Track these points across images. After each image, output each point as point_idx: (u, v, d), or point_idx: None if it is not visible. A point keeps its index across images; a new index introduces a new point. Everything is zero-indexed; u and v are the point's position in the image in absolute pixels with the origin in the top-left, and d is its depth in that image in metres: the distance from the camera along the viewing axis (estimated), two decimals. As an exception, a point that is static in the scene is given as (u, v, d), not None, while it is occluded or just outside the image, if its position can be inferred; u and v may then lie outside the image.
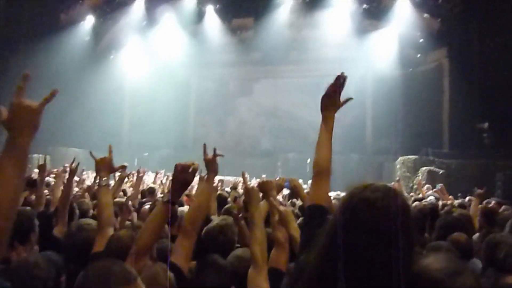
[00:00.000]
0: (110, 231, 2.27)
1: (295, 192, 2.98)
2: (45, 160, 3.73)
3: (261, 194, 2.43)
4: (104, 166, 2.47)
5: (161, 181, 8.30)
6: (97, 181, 2.47)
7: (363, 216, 1.00)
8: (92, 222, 2.55)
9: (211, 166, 2.32)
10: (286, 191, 5.80)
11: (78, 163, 3.72)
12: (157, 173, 9.45)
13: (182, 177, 1.90)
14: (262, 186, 2.48)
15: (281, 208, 2.34)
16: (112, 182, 6.80)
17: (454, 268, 0.97)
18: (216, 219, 2.68)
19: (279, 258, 2.21)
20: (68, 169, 3.82)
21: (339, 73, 1.79)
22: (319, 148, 1.84)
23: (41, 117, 1.12)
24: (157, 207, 1.93)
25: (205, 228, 2.61)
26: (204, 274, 1.98)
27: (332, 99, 1.83)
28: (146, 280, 1.63)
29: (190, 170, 1.91)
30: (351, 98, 1.85)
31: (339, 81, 1.80)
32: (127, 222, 3.27)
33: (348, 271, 0.97)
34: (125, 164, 3.58)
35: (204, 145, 2.43)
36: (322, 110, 1.85)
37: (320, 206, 1.53)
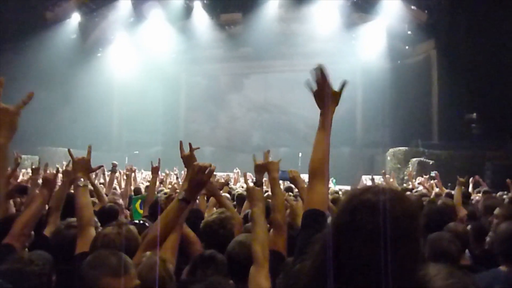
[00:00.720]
0: (92, 231, 2.24)
1: (294, 183, 3.01)
2: (39, 163, 3.69)
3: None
4: (82, 167, 2.43)
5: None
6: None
7: (362, 219, 0.91)
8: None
9: (190, 162, 2.30)
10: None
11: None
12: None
13: (199, 177, 1.91)
14: (267, 165, 2.55)
15: (292, 202, 2.39)
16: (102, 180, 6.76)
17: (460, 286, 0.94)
18: (214, 213, 2.71)
19: (277, 240, 2.24)
20: (60, 170, 3.78)
21: (315, 67, 1.70)
22: (314, 147, 1.70)
23: (18, 119, 1.17)
24: (173, 203, 1.94)
25: (203, 222, 2.64)
26: (201, 269, 1.99)
27: (323, 91, 1.71)
28: (144, 269, 1.66)
29: (207, 171, 1.92)
30: (345, 82, 1.68)
31: (320, 73, 1.69)
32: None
33: (344, 279, 0.90)
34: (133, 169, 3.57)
35: (180, 142, 2.44)
36: (319, 107, 1.76)
37: (316, 211, 1.43)
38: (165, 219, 1.90)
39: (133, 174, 6.39)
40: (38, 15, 16.00)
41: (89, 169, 2.48)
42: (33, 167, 4.18)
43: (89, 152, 2.52)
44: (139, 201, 4.38)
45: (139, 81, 19.16)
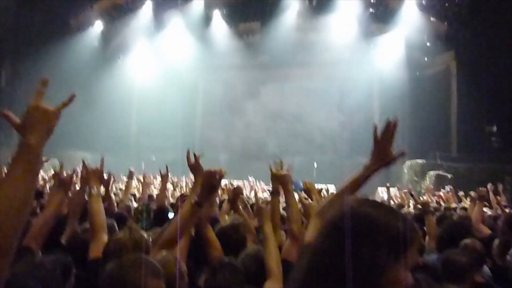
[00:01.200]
0: (104, 237, 2.31)
1: (308, 194, 3.05)
2: (61, 166, 3.77)
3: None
4: (95, 177, 2.61)
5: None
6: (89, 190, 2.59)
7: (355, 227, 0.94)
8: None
9: (197, 171, 2.39)
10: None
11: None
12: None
13: (210, 182, 1.99)
14: (281, 178, 2.61)
15: (305, 201, 2.46)
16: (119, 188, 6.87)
17: None
18: (228, 219, 2.80)
19: (291, 250, 2.30)
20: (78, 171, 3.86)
21: (390, 120, 1.57)
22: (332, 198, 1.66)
23: (57, 122, 1.12)
24: (186, 206, 2.02)
25: (218, 227, 2.71)
26: (219, 274, 2.03)
27: (384, 149, 1.62)
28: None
29: (218, 176, 2.00)
30: (403, 153, 1.63)
31: (391, 128, 1.59)
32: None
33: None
34: (112, 175, 3.70)
35: (188, 151, 2.52)
36: (373, 159, 1.64)
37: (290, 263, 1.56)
38: (180, 221, 1.95)
39: (149, 180, 6.49)
40: (63, 23, 16.48)
41: (101, 179, 2.69)
42: (54, 171, 4.23)
43: (102, 164, 2.71)
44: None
45: (158, 87, 19.46)
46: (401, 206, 4.93)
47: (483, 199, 4.23)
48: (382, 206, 1.02)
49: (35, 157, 1.06)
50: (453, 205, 5.78)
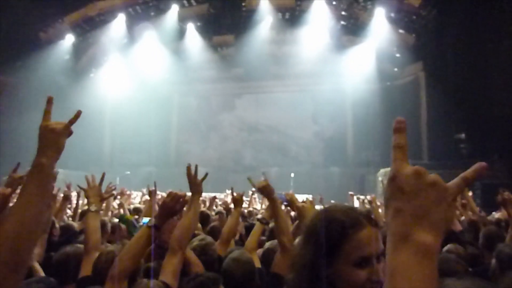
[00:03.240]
0: (96, 255, 2.26)
1: (290, 205, 3.07)
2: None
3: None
4: (94, 194, 2.53)
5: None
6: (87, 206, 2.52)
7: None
8: (78, 246, 2.54)
9: (196, 187, 2.33)
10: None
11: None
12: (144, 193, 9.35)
13: (171, 205, 1.93)
14: (264, 189, 2.59)
15: (299, 204, 2.47)
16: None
17: None
18: (195, 240, 2.67)
19: (284, 262, 2.24)
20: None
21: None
22: None
23: (65, 139, 1.18)
24: (141, 230, 1.94)
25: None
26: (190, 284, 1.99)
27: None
28: None
29: (181, 200, 1.94)
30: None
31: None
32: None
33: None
34: (114, 191, 3.62)
35: (188, 166, 2.40)
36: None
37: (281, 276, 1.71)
38: (133, 247, 1.90)
39: (125, 196, 6.39)
40: (32, 36, 16.10)
41: (101, 196, 2.61)
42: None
43: (101, 180, 2.67)
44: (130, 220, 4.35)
45: (132, 101, 19.22)
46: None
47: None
48: (337, 208, 1.10)
49: (47, 176, 1.10)
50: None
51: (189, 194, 2.07)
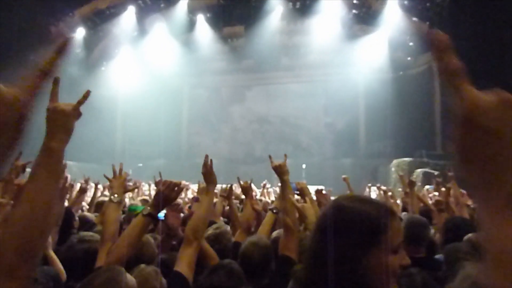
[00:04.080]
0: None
1: (301, 194, 3.05)
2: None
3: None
4: (119, 184, 2.51)
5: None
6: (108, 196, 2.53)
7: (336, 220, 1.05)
8: (94, 234, 2.53)
9: (209, 178, 2.36)
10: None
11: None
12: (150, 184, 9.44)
13: (166, 193, 1.92)
14: (278, 168, 2.65)
15: (299, 204, 2.46)
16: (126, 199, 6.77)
17: None
18: (210, 228, 2.69)
19: (288, 244, 2.27)
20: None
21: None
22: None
23: (74, 120, 1.12)
24: (136, 219, 1.94)
25: None
26: (216, 274, 2.00)
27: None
28: (138, 282, 1.68)
29: (176, 188, 1.92)
30: None
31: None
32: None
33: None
34: (137, 184, 3.62)
35: (206, 156, 2.43)
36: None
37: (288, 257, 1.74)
38: (128, 235, 1.88)
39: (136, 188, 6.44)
40: (43, 30, 16.21)
41: (125, 188, 2.58)
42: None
43: (120, 171, 2.63)
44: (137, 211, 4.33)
45: (142, 94, 19.29)
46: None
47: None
48: (358, 199, 1.11)
49: (57, 160, 1.04)
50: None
51: (184, 182, 2.06)
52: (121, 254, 1.82)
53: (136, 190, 6.35)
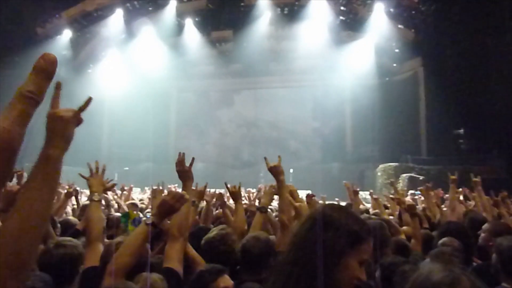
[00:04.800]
0: (100, 246, 2.24)
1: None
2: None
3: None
4: (97, 182, 2.50)
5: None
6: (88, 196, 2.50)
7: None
8: (73, 239, 2.48)
9: (187, 174, 2.39)
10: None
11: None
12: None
13: (171, 203, 1.93)
14: (274, 169, 2.76)
15: (296, 203, 2.58)
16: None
17: (452, 277, 0.98)
18: (214, 229, 2.70)
19: (284, 240, 2.32)
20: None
21: None
22: None
23: (74, 127, 1.07)
24: (140, 227, 1.93)
25: (204, 238, 2.64)
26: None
27: None
28: None
29: (181, 199, 1.94)
30: None
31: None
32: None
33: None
34: (115, 182, 3.59)
35: (181, 153, 2.48)
36: None
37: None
38: (132, 243, 1.88)
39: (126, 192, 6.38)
40: (29, 31, 16.01)
41: (104, 185, 2.60)
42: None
43: (103, 171, 2.67)
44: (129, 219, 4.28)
45: (130, 97, 19.13)
46: (377, 214, 4.96)
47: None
48: (342, 209, 1.27)
49: (54, 169, 0.99)
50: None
51: (187, 195, 2.06)
52: (124, 263, 1.81)
53: (126, 193, 6.29)
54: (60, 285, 2.13)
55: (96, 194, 2.38)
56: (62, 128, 1.04)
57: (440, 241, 2.84)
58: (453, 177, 4.64)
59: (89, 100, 1.14)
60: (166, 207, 1.93)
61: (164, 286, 1.83)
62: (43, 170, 0.98)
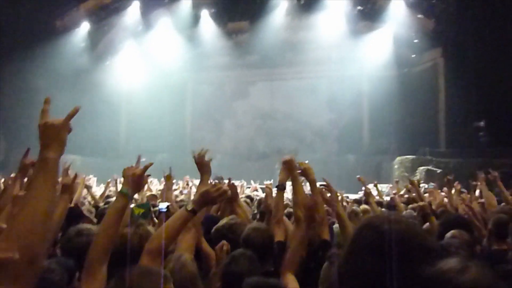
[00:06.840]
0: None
1: (304, 174, 3.07)
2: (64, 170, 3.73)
3: None
4: (132, 179, 2.07)
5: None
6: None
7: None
8: (92, 227, 2.52)
9: (205, 168, 2.47)
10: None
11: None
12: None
13: (214, 195, 1.96)
14: (288, 164, 2.82)
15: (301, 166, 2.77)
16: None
17: (461, 265, 0.98)
18: (225, 219, 2.76)
19: (295, 234, 2.38)
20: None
21: None
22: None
23: (66, 133, 1.20)
24: (180, 212, 1.96)
25: (214, 228, 2.70)
26: (238, 262, 2.07)
27: None
28: (175, 270, 1.77)
29: (223, 194, 2.00)
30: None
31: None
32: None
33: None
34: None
35: (202, 149, 2.53)
36: None
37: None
38: (171, 227, 1.91)
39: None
40: (49, 24, 16.24)
41: (139, 185, 2.12)
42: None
43: (138, 161, 2.31)
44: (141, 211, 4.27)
45: (146, 88, 19.32)
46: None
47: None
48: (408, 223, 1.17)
49: (53, 169, 1.14)
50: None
51: (229, 192, 2.10)
52: (162, 244, 1.85)
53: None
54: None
55: (126, 188, 2.20)
56: (55, 133, 1.18)
57: (449, 234, 2.82)
58: (484, 176, 4.82)
59: (75, 110, 1.24)
60: (208, 197, 1.96)
61: (195, 266, 1.89)
62: (43, 171, 1.12)
